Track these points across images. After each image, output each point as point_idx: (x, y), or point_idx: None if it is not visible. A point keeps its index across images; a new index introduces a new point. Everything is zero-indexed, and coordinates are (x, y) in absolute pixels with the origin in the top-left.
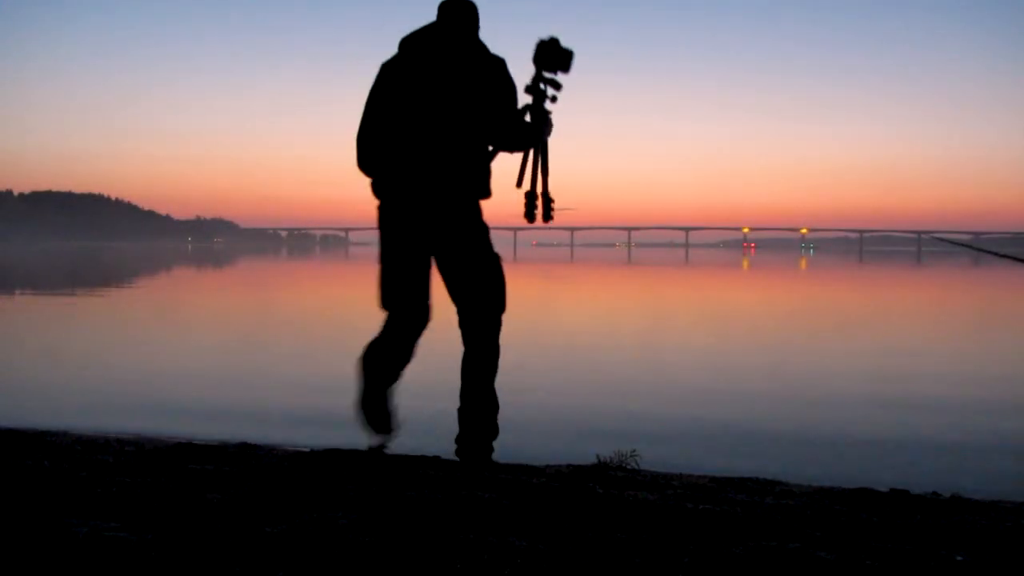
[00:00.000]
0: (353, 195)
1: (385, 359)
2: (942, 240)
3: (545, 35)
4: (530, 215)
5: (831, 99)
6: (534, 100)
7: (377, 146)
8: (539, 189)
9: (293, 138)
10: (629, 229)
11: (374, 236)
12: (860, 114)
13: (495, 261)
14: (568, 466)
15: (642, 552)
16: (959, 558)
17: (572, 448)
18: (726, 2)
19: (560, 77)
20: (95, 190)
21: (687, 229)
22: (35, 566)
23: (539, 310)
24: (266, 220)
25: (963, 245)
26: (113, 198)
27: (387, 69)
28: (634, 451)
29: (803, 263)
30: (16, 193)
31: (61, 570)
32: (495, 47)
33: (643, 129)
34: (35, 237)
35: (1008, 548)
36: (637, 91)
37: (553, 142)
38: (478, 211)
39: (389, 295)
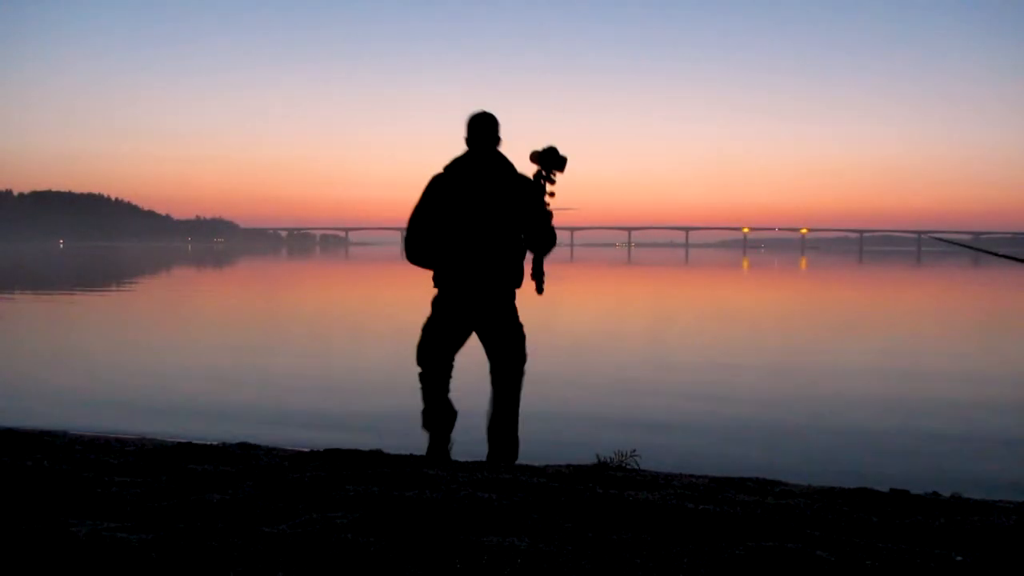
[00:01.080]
0: (353, 195)
1: (428, 400)
2: (942, 240)
3: (545, 145)
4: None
5: (831, 99)
6: (536, 193)
7: (427, 246)
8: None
9: (293, 138)
10: (629, 229)
11: (373, 236)
12: (860, 114)
13: (520, 331)
14: (568, 466)
15: (642, 552)
16: (959, 558)
17: (572, 448)
18: (727, 2)
19: (556, 176)
20: (95, 190)
21: (687, 229)
22: (36, 566)
23: (539, 311)
24: (266, 220)
25: (963, 245)
26: (113, 198)
27: (436, 184)
28: (634, 451)
29: (803, 263)
30: (16, 193)
31: (61, 570)
32: (500, 44)
33: (643, 129)
34: (35, 237)
35: (1008, 548)
36: (637, 91)
37: (552, 143)
38: (513, 297)
39: (425, 356)
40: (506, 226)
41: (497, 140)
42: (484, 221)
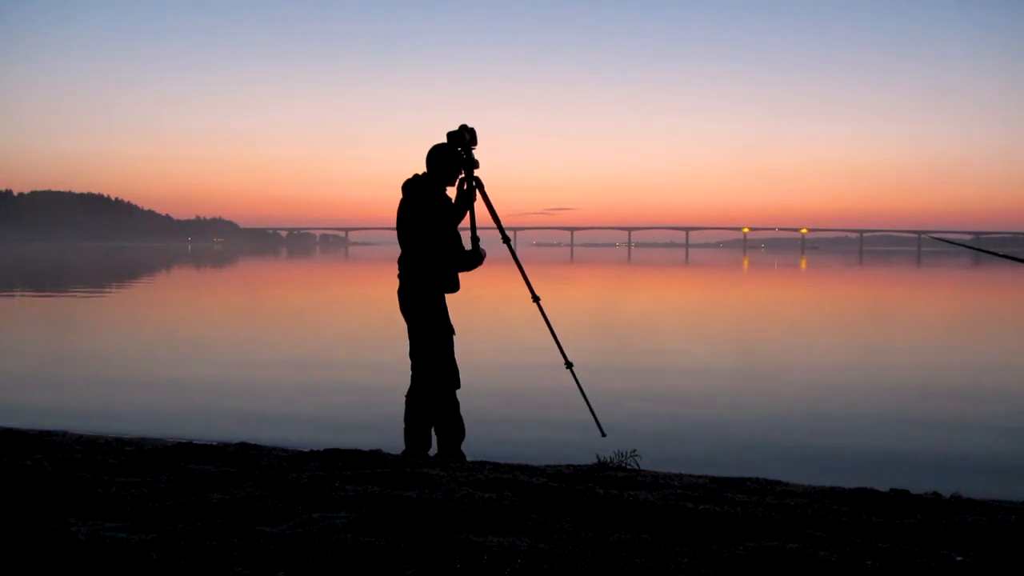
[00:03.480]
0: (353, 195)
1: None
2: (942, 240)
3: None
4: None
5: (831, 99)
6: (467, 171)
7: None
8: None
9: (293, 138)
10: (629, 229)
11: (373, 236)
12: (860, 114)
13: (422, 332)
14: (568, 466)
15: (642, 552)
16: (959, 558)
17: (572, 448)
18: (727, 2)
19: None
20: (95, 190)
21: (687, 229)
22: (36, 566)
23: (537, 311)
24: (266, 220)
25: (963, 245)
26: (113, 198)
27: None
28: (634, 451)
29: (803, 263)
30: (16, 193)
31: (61, 570)
32: (502, 42)
33: (643, 129)
34: (35, 237)
35: (1008, 548)
36: (638, 91)
37: (553, 143)
38: (428, 303)
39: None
40: (406, 239)
41: (439, 167)
42: (400, 232)
